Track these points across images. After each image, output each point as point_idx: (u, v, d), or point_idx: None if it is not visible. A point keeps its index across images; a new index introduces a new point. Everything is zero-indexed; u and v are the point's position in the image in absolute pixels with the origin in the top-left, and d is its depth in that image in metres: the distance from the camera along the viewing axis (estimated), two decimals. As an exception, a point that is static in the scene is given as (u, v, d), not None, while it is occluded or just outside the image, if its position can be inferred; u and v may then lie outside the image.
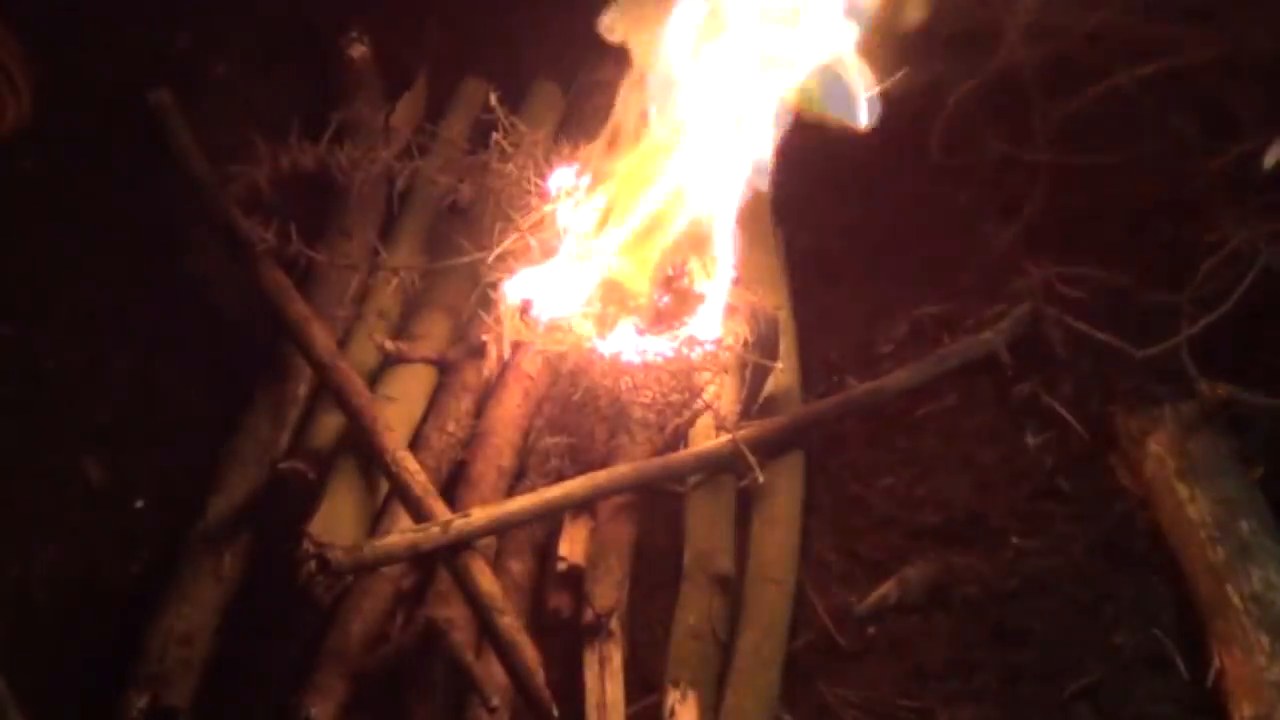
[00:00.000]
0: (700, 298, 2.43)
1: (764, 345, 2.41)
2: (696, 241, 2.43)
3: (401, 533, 2.11)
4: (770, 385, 2.49)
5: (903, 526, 2.45)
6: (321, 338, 2.35)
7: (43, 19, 2.42)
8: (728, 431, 2.36)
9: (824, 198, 2.99)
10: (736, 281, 2.45)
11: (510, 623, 2.02)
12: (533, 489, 2.31)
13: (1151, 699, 2.17)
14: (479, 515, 2.13)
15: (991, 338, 2.69)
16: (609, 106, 2.46)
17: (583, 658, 2.13)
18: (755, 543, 2.34)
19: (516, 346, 2.52)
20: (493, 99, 2.55)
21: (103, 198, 2.55)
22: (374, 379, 2.44)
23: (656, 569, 2.35)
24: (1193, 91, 2.75)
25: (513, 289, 2.41)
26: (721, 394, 2.45)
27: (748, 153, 2.33)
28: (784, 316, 2.63)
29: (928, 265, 2.89)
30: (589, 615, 2.14)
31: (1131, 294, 2.68)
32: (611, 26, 2.28)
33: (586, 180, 2.42)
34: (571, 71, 3.09)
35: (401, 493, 2.17)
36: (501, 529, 2.21)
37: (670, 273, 2.44)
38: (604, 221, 2.45)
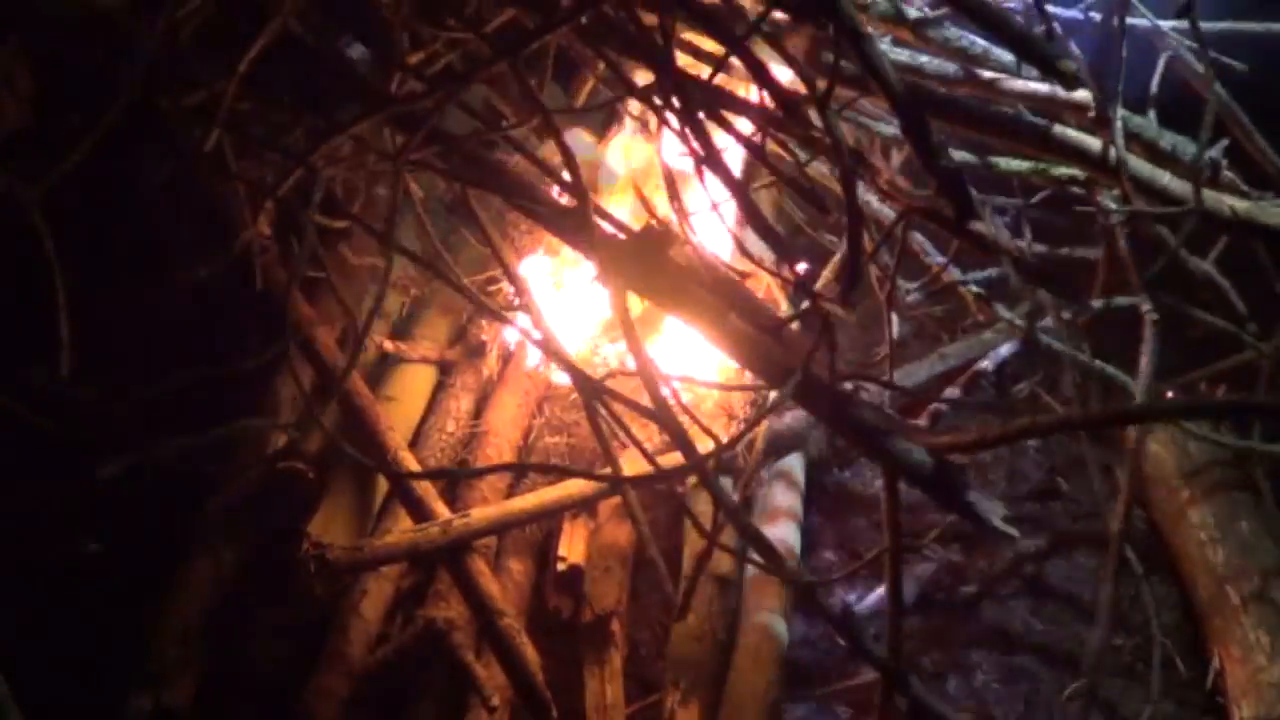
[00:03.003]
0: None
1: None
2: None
3: (401, 533, 2.11)
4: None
5: (901, 526, 2.45)
6: (322, 338, 2.35)
7: (42, 21, 2.42)
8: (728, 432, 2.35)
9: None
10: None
11: (510, 624, 2.02)
12: (533, 489, 2.30)
13: (1151, 699, 2.17)
14: (478, 516, 2.13)
15: (991, 337, 2.69)
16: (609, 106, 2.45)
17: (583, 658, 2.13)
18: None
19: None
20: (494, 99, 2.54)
21: (103, 198, 2.55)
22: (374, 379, 2.44)
23: (656, 569, 2.34)
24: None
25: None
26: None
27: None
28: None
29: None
30: (589, 615, 2.14)
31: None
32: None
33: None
34: (571, 71, 3.08)
35: (401, 493, 2.17)
36: (501, 530, 2.21)
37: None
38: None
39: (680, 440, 1.68)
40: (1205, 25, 1.95)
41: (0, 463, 2.18)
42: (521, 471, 2.36)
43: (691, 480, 2.37)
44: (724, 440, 1.71)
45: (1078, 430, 2.40)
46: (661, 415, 1.67)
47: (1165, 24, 2.08)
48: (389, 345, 2.46)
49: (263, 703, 2.08)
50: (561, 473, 2.25)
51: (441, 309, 2.60)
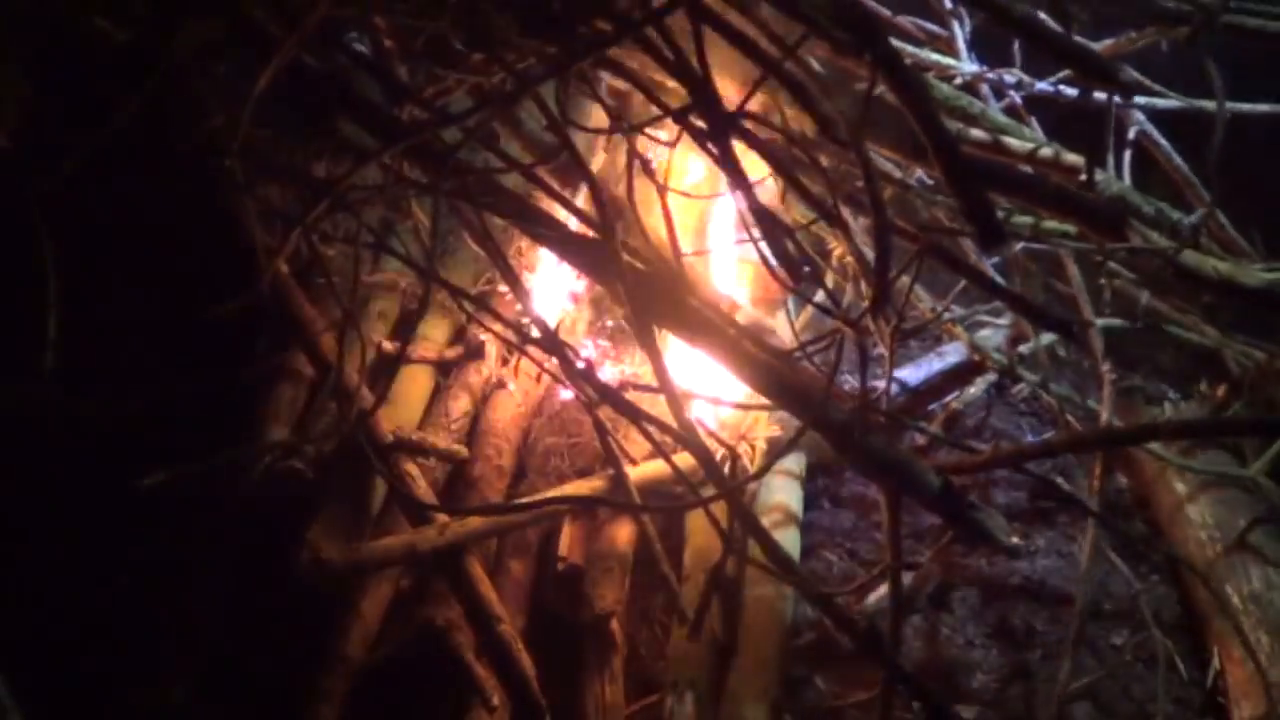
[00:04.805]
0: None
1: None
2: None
3: (399, 535, 2.10)
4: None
5: (903, 526, 2.45)
6: (323, 339, 2.35)
7: (36, 26, 2.42)
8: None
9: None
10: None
11: (505, 630, 2.02)
12: (533, 489, 2.30)
13: (1151, 699, 2.17)
14: (475, 519, 2.12)
15: (990, 336, 2.70)
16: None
17: (582, 658, 2.13)
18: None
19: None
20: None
21: (103, 200, 2.55)
22: (374, 380, 2.44)
23: (656, 569, 2.34)
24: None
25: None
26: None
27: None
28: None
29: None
30: (589, 615, 2.14)
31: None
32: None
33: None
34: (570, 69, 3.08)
35: (399, 495, 2.17)
36: (498, 533, 2.20)
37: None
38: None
39: (707, 464, 1.70)
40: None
41: (2, 463, 2.19)
42: (541, 505, 2.26)
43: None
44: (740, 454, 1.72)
45: (1083, 450, 2.42)
46: (687, 436, 1.69)
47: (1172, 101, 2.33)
48: (388, 346, 2.46)
49: (263, 703, 2.08)
50: (581, 503, 2.24)
51: (440, 309, 2.60)
